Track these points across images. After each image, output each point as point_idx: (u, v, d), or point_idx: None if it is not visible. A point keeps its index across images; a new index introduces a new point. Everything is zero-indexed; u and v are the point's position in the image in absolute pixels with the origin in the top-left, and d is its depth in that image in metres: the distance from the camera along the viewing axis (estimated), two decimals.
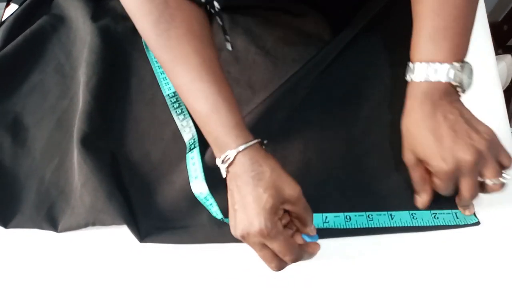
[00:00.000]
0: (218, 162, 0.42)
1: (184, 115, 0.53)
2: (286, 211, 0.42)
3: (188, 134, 0.52)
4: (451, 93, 0.45)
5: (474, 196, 0.44)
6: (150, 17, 0.41)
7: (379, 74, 0.57)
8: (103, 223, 0.48)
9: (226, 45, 0.49)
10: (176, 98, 0.54)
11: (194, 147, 0.51)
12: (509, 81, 1.24)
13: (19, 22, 0.62)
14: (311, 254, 0.42)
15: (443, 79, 0.44)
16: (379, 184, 0.51)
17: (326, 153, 0.53)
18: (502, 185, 0.44)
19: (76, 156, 0.51)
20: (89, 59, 0.57)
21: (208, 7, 0.44)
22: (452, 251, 0.47)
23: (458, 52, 0.45)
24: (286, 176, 0.41)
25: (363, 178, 0.51)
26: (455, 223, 0.48)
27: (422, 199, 0.48)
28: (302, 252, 0.41)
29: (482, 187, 0.45)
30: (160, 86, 0.56)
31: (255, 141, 0.41)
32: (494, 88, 0.58)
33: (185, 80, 0.42)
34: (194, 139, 0.52)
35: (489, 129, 0.44)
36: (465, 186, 0.44)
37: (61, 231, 0.49)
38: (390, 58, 0.58)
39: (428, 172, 0.47)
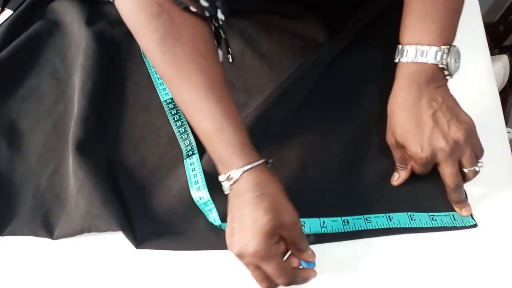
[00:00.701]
0: (221, 178, 0.42)
1: (182, 122, 0.53)
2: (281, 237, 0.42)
3: (185, 141, 0.52)
4: (438, 77, 0.46)
5: (455, 183, 0.46)
6: (156, 34, 0.40)
7: (375, 77, 0.57)
8: (99, 229, 0.48)
9: (228, 58, 0.49)
10: (174, 105, 0.54)
11: (193, 154, 0.51)
12: (505, 81, 1.25)
13: (14, 28, 0.61)
14: (305, 279, 0.42)
15: (430, 61, 0.45)
16: (376, 186, 0.51)
17: (323, 156, 0.52)
18: (476, 173, 0.47)
19: (71, 161, 0.51)
20: (84, 63, 0.56)
21: (212, 20, 0.44)
22: (450, 254, 0.47)
23: (446, 35, 0.46)
24: (287, 202, 0.41)
25: (360, 181, 0.51)
26: (452, 225, 0.48)
27: (400, 177, 0.50)
28: (295, 277, 0.41)
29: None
30: (158, 92, 0.56)
31: (261, 161, 0.41)
32: (490, 89, 0.58)
33: (190, 98, 0.42)
34: (192, 146, 0.52)
35: (470, 119, 0.46)
36: (444, 173, 0.46)
37: (57, 238, 0.49)
38: (387, 61, 0.57)
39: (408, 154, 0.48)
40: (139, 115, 0.55)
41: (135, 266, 0.48)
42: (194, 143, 0.52)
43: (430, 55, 0.45)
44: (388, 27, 0.57)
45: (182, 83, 0.41)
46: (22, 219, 0.50)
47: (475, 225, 0.48)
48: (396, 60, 0.49)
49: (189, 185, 0.49)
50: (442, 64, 0.46)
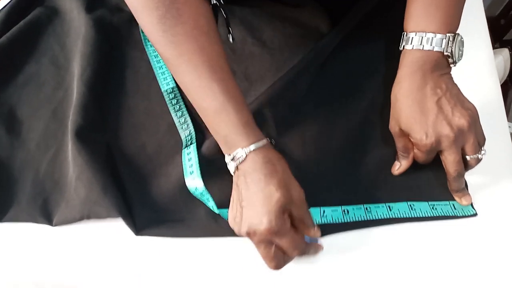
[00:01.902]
0: (227, 159, 0.42)
1: (182, 111, 0.53)
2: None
3: (185, 131, 0.52)
4: (442, 65, 0.47)
5: (457, 171, 0.46)
6: (156, 12, 0.39)
7: (378, 66, 0.57)
8: (98, 215, 0.47)
9: (228, 37, 0.49)
10: (174, 94, 0.54)
11: (191, 143, 0.50)
12: (506, 75, 1.24)
13: (13, 14, 0.61)
14: (316, 250, 0.43)
15: (436, 49, 0.45)
16: (376, 176, 0.51)
17: (324, 146, 0.52)
18: (479, 160, 0.47)
19: (70, 148, 0.51)
20: (83, 50, 0.56)
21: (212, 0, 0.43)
22: (450, 243, 0.47)
23: (451, 23, 0.47)
24: (294, 179, 0.42)
25: (360, 170, 0.51)
26: (453, 214, 0.48)
27: (401, 166, 0.50)
28: (308, 247, 0.42)
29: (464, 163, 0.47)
30: (158, 82, 0.56)
31: (266, 140, 0.41)
32: (492, 83, 0.57)
33: (192, 77, 0.41)
34: (191, 136, 0.51)
35: (473, 107, 0.46)
36: (447, 161, 0.46)
37: (56, 225, 0.49)
38: (390, 50, 0.57)
39: (411, 142, 0.48)
40: (139, 102, 0.55)
41: (134, 253, 0.48)
42: (193, 133, 0.52)
43: (435, 42, 0.45)
44: (390, 16, 0.57)
45: (183, 63, 0.41)
46: (22, 206, 0.50)
47: (475, 215, 0.48)
48: (401, 48, 0.49)
49: (185, 175, 0.49)
50: (447, 51, 0.46)
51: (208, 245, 0.48)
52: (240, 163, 0.41)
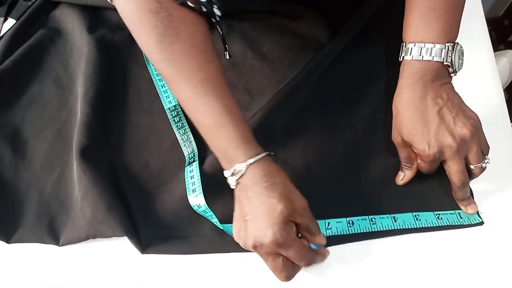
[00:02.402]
0: (227, 174, 0.42)
1: (185, 129, 0.53)
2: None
3: (188, 148, 0.52)
4: (442, 74, 0.46)
5: (461, 181, 0.46)
6: (154, 31, 0.40)
7: (378, 75, 0.57)
8: (104, 235, 0.48)
9: (224, 54, 0.49)
10: (177, 112, 0.54)
11: (194, 161, 0.51)
12: None
13: (17, 37, 0.62)
14: (323, 256, 0.44)
15: (435, 59, 0.45)
16: (381, 187, 0.51)
17: (327, 157, 0.52)
18: (483, 169, 0.46)
19: (75, 168, 0.51)
20: (86, 70, 0.57)
21: (209, 16, 0.44)
22: (456, 252, 0.47)
23: (450, 32, 0.46)
24: (295, 189, 0.42)
25: (364, 181, 0.51)
26: (459, 223, 0.47)
27: (405, 176, 0.50)
28: (315, 256, 0.42)
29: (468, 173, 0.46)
30: (161, 99, 0.56)
31: (265, 153, 0.42)
32: (494, 87, 0.57)
33: (190, 94, 0.42)
34: (194, 153, 0.52)
35: (475, 115, 0.46)
36: (451, 171, 0.46)
37: (63, 245, 0.49)
38: (389, 59, 0.57)
39: (414, 152, 0.48)
40: (142, 120, 0.55)
41: (140, 271, 0.48)
42: (196, 151, 0.52)
43: (435, 52, 0.45)
44: (389, 24, 0.57)
45: (181, 80, 0.41)
46: (28, 227, 0.50)
47: (481, 223, 0.47)
48: (400, 59, 0.49)
49: (187, 193, 0.49)
50: (446, 61, 0.45)
51: (214, 261, 0.48)
52: (240, 177, 0.41)
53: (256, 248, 0.40)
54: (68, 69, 0.60)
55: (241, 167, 0.40)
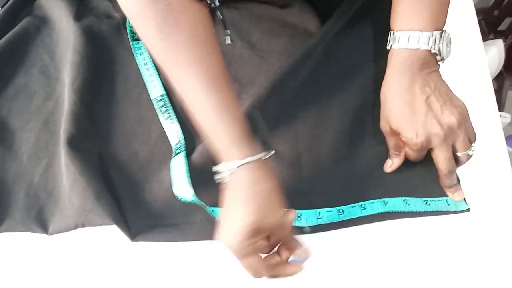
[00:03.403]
0: (220, 168, 0.42)
1: (172, 119, 0.53)
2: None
3: (175, 138, 0.52)
4: (430, 63, 0.46)
5: (448, 168, 0.46)
6: (154, 20, 0.38)
7: (367, 65, 0.57)
8: (93, 223, 0.48)
9: (225, 40, 0.48)
10: (164, 102, 0.54)
11: (180, 151, 0.50)
12: (501, 66, 1.24)
13: (1, 25, 0.60)
14: (289, 274, 0.42)
15: (423, 47, 0.45)
16: (370, 174, 0.51)
17: (317, 147, 0.52)
18: (469, 157, 0.47)
19: (63, 157, 0.51)
20: (73, 59, 0.56)
21: (208, 2, 0.43)
22: (444, 238, 0.47)
23: (437, 20, 0.46)
24: (278, 202, 0.40)
25: (354, 170, 0.51)
26: (446, 210, 0.48)
27: (393, 163, 0.50)
28: (277, 272, 0.41)
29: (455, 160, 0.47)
30: (148, 89, 0.55)
31: (260, 155, 0.41)
32: (483, 74, 0.57)
33: (189, 88, 0.41)
34: (180, 144, 0.51)
35: (462, 104, 0.46)
36: (438, 159, 0.46)
37: (51, 234, 0.49)
38: (378, 48, 0.57)
39: (402, 140, 0.48)
40: (130, 109, 0.55)
41: (131, 258, 0.48)
42: (183, 141, 0.51)
43: (422, 40, 0.45)
44: (378, 13, 0.57)
45: (180, 73, 0.41)
46: (17, 217, 0.50)
47: (468, 210, 0.48)
48: (388, 47, 0.49)
49: (173, 183, 0.49)
50: (434, 49, 0.45)
51: (204, 249, 0.48)
52: (230, 174, 0.40)
53: (226, 246, 0.40)
54: (54, 58, 0.59)
55: (233, 166, 0.40)
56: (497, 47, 1.18)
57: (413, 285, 0.46)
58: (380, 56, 0.56)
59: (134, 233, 0.47)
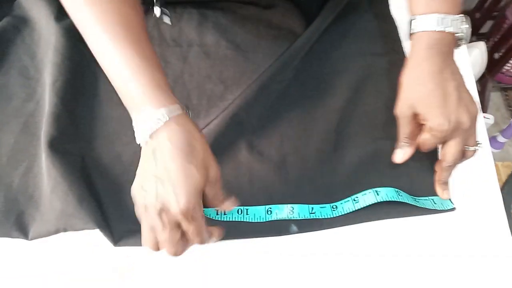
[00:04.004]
0: (136, 123, 0.39)
1: None
2: None
3: None
4: (453, 47, 0.45)
5: (455, 161, 0.46)
6: None
7: (352, 65, 0.57)
8: (75, 228, 0.47)
9: (162, 17, 0.48)
10: None
11: None
12: (483, 68, 1.26)
13: None
14: (217, 238, 0.41)
15: (450, 30, 0.44)
16: (357, 175, 0.51)
17: (303, 146, 0.52)
18: (475, 152, 0.47)
19: (44, 160, 0.49)
20: (54, 59, 0.55)
21: None
22: (430, 237, 0.48)
23: (457, 4, 0.45)
24: (211, 155, 0.39)
25: (339, 171, 0.51)
26: (433, 208, 0.48)
27: (405, 153, 0.49)
28: (208, 237, 0.39)
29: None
30: None
31: (182, 106, 0.39)
32: (467, 79, 0.57)
33: (103, 39, 0.38)
34: None
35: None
36: (451, 149, 0.45)
37: (32, 239, 0.48)
38: (363, 48, 0.57)
39: (418, 128, 0.47)
40: (112, 111, 0.54)
41: (114, 264, 0.47)
42: None
43: (449, 23, 0.44)
44: (361, 14, 0.58)
45: (94, 25, 0.39)
46: None
47: (453, 209, 0.48)
48: (412, 31, 0.46)
49: None
50: (461, 32, 0.44)
51: (189, 253, 0.47)
52: (155, 131, 0.37)
53: (158, 213, 0.36)
54: (35, 59, 0.58)
55: (157, 119, 0.37)
56: (480, 49, 1.20)
57: (400, 285, 0.46)
58: (364, 54, 0.56)
59: (117, 238, 0.46)
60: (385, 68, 0.57)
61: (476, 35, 1.42)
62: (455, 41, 0.45)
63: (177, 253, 0.38)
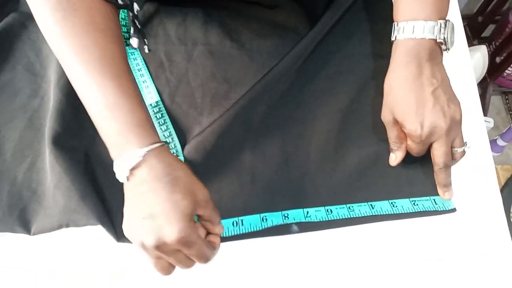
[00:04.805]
0: (116, 163, 0.38)
1: (167, 125, 0.52)
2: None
3: (170, 144, 0.51)
4: (436, 52, 0.46)
5: (445, 162, 0.46)
6: (48, 3, 0.38)
7: (356, 66, 0.57)
8: (77, 223, 0.47)
9: (144, 48, 0.49)
10: (159, 108, 0.53)
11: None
12: (485, 71, 1.26)
13: None
14: (219, 245, 0.41)
15: (428, 36, 0.45)
16: (358, 175, 0.51)
17: (305, 147, 0.52)
18: (464, 154, 0.47)
19: (48, 156, 0.50)
20: None
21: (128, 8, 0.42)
22: (430, 238, 0.48)
23: (441, 9, 0.46)
24: (197, 179, 0.39)
25: (341, 171, 0.51)
26: (433, 209, 0.49)
27: (396, 157, 0.50)
28: (214, 253, 0.39)
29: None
30: (142, 96, 0.55)
31: (162, 142, 0.39)
32: (469, 82, 0.58)
33: (81, 71, 0.38)
34: (176, 149, 0.51)
35: (458, 101, 0.46)
36: (437, 153, 0.46)
37: (34, 234, 0.48)
38: (367, 49, 0.58)
39: (404, 132, 0.48)
40: None
41: (116, 260, 0.47)
42: (179, 147, 0.51)
43: (428, 30, 0.45)
44: (365, 15, 0.58)
45: (73, 56, 0.39)
46: None
47: (454, 210, 0.49)
48: (393, 38, 0.48)
49: None
50: (440, 38, 0.45)
51: None
52: (135, 168, 0.37)
53: (158, 247, 0.36)
54: (40, 55, 0.58)
55: (136, 155, 0.36)
56: (481, 52, 1.21)
57: (401, 285, 0.46)
58: (370, 55, 0.56)
59: (120, 234, 0.47)
60: None
61: (478, 38, 1.43)
62: (437, 47, 0.46)
63: (190, 266, 0.39)
